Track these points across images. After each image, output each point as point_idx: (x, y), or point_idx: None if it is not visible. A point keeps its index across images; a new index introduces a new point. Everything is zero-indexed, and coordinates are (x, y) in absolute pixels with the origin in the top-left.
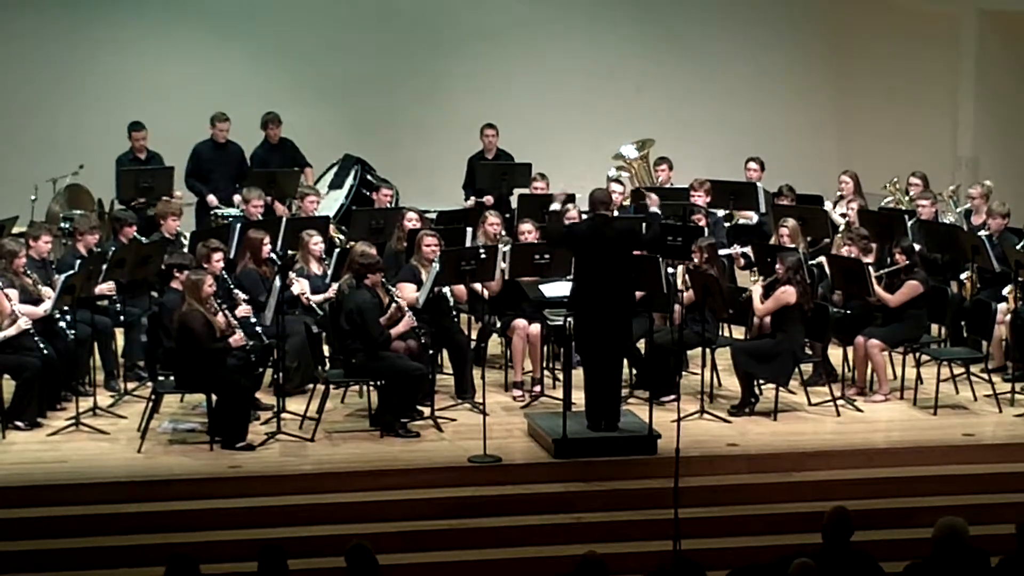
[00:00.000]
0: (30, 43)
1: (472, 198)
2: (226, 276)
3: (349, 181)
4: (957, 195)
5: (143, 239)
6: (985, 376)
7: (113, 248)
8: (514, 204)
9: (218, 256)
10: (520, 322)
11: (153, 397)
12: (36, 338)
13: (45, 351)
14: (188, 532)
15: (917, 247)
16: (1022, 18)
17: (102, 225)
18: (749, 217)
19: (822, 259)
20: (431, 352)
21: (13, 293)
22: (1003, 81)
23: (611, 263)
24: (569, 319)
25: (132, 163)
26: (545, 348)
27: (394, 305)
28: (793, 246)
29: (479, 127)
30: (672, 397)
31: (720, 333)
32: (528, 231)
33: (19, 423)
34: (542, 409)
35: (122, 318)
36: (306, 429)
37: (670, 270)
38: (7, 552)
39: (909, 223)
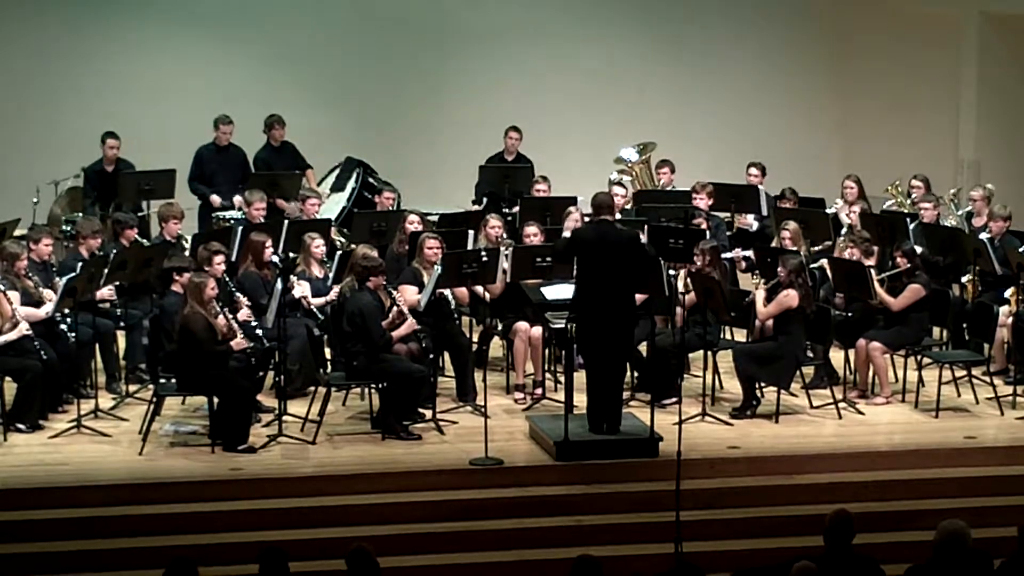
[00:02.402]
0: (32, 45)
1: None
2: (228, 279)
3: (351, 184)
4: (959, 198)
5: (145, 242)
6: (987, 379)
7: (115, 251)
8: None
9: (220, 259)
10: (522, 325)
11: (154, 399)
12: (36, 343)
13: (44, 355)
14: (189, 534)
15: (919, 250)
16: None
17: (104, 228)
18: (749, 224)
19: (824, 262)
20: (432, 355)
21: (14, 295)
22: (1005, 84)
23: (614, 267)
24: (571, 322)
25: (98, 176)
26: (547, 351)
27: (396, 308)
28: (795, 249)
29: (481, 130)
30: (673, 400)
31: (722, 336)
32: (532, 234)
33: (21, 425)
34: (544, 412)
35: (122, 323)
36: (307, 432)
37: (671, 273)
38: (9, 554)
39: (911, 226)
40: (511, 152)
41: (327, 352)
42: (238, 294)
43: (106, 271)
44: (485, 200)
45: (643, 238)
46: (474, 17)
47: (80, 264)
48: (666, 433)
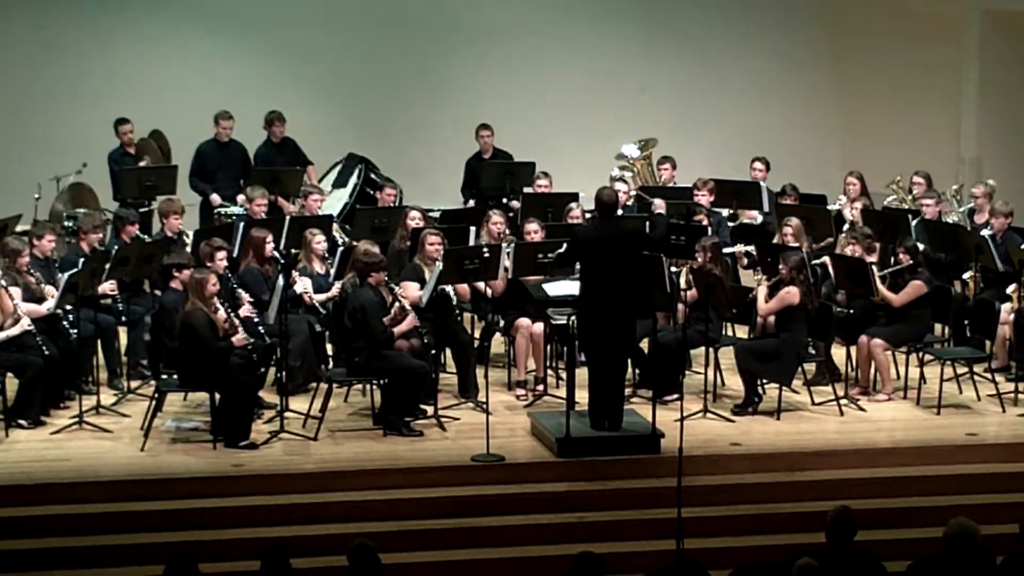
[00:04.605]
0: (33, 42)
1: (471, 201)
2: (229, 275)
3: (353, 180)
4: (960, 194)
5: (146, 237)
6: (988, 376)
7: (116, 247)
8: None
9: (221, 255)
10: (523, 321)
11: (156, 396)
12: (38, 338)
13: (46, 351)
14: (191, 531)
15: (921, 247)
16: None
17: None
18: (753, 217)
19: (826, 258)
20: (434, 351)
21: (16, 291)
22: (1006, 81)
23: (618, 263)
24: (572, 318)
25: (124, 158)
26: (548, 347)
27: (397, 304)
28: (797, 245)
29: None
30: (675, 396)
31: (723, 332)
32: (534, 231)
33: (23, 421)
34: (545, 408)
35: (124, 317)
36: (309, 428)
37: (673, 269)
38: (10, 551)
39: (913, 223)
40: (486, 151)
41: (329, 348)
42: (240, 290)
43: (107, 267)
44: (473, 200)
45: (660, 206)
46: (475, 15)
47: (82, 260)
48: (668, 430)
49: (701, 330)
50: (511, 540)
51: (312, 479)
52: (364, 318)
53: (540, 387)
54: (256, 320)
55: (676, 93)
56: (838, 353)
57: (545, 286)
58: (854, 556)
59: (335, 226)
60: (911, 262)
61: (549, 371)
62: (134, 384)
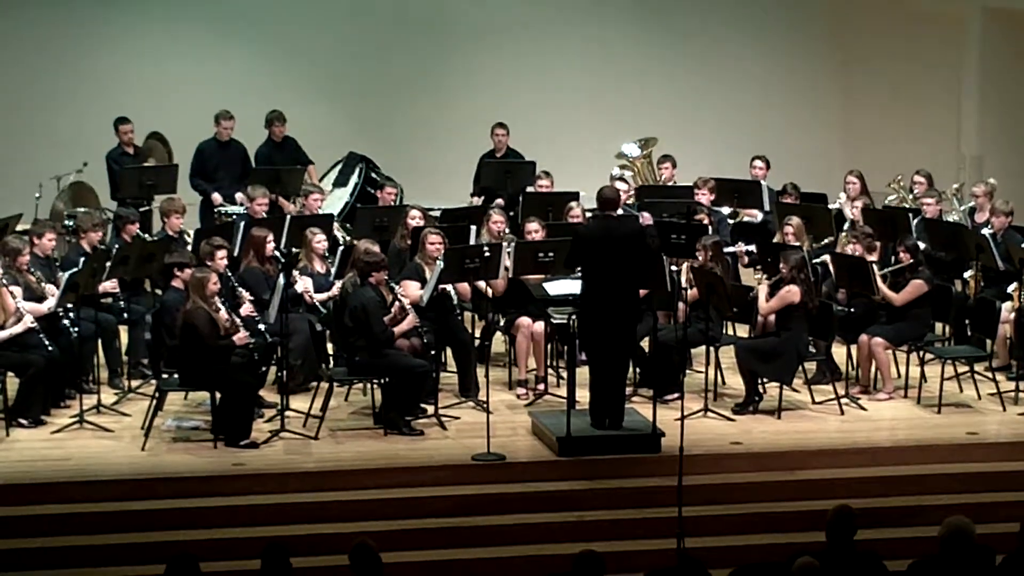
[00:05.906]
0: (33, 41)
1: (477, 197)
2: (230, 274)
3: (354, 179)
4: (961, 193)
5: (146, 237)
6: (989, 375)
7: (117, 246)
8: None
9: (222, 254)
10: (524, 320)
11: (157, 395)
12: (41, 335)
13: (50, 348)
14: (191, 530)
15: (921, 245)
16: None
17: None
18: (754, 216)
19: (826, 257)
20: (434, 350)
21: (17, 290)
22: (1007, 79)
23: (619, 262)
24: (573, 317)
25: (123, 158)
26: (549, 346)
27: (398, 303)
28: (797, 244)
29: (482, 125)
30: (676, 395)
31: (724, 331)
32: (535, 230)
33: (23, 420)
34: (546, 407)
35: (126, 315)
36: (310, 427)
37: (674, 268)
38: (11, 550)
39: (913, 221)
40: (500, 149)
41: (329, 347)
42: (240, 289)
43: (108, 266)
44: (483, 198)
45: (647, 219)
46: (476, 13)
47: (83, 259)
48: (668, 429)
49: (702, 329)
50: (512, 539)
51: (313, 478)
52: (365, 317)
53: (541, 386)
54: (257, 319)
55: (676, 92)
56: (839, 352)
57: (546, 285)
58: (854, 555)
59: (336, 225)
60: (912, 261)
61: (550, 370)
62: (135, 383)
